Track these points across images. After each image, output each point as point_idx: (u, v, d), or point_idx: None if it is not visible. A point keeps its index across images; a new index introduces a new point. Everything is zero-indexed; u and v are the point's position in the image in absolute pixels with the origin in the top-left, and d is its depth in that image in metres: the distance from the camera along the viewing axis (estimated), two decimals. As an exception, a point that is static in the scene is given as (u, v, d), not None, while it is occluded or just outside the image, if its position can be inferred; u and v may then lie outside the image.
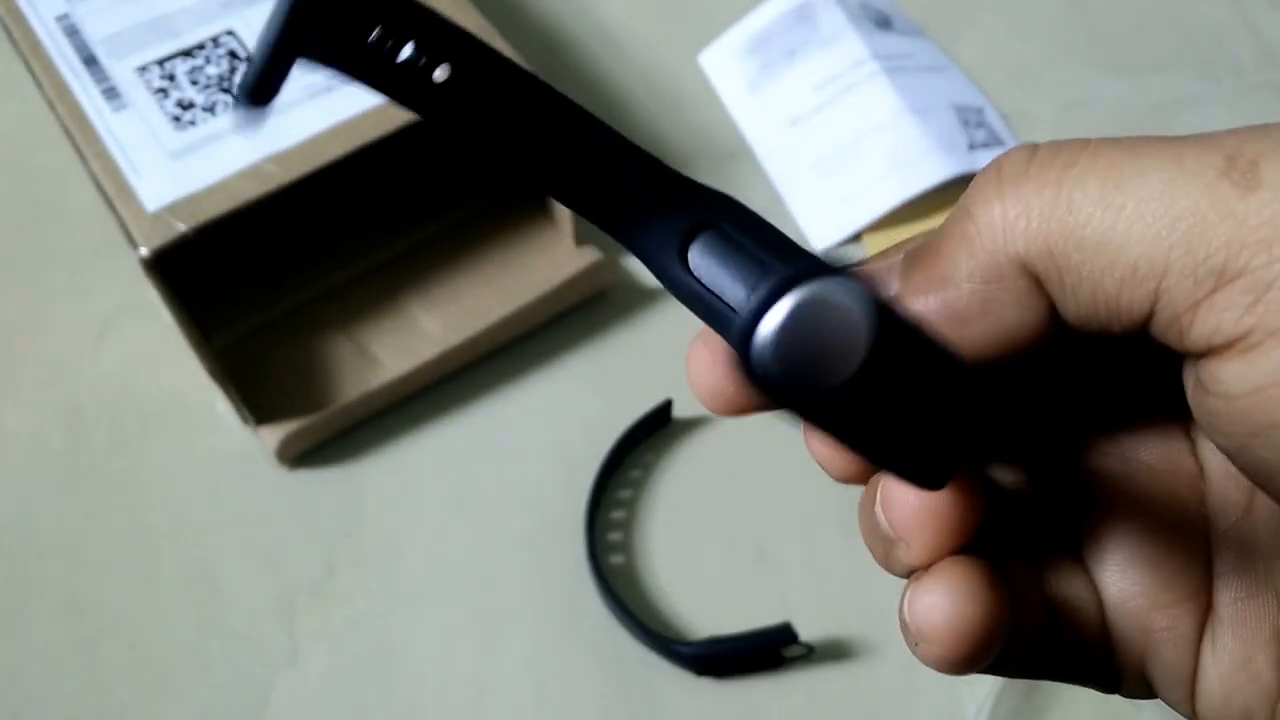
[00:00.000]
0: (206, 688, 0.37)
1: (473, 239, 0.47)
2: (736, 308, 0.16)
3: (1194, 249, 0.13)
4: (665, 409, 0.42)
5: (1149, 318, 0.14)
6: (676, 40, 0.55)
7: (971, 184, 0.16)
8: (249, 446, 0.42)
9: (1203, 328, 0.14)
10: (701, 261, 0.17)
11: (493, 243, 0.46)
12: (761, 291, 0.13)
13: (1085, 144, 0.15)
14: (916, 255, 0.16)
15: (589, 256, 0.45)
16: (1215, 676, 0.18)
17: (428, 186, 0.47)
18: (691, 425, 0.43)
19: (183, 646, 0.38)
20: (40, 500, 0.41)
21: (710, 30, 0.55)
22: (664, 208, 0.17)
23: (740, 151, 0.51)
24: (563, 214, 0.45)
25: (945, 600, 0.17)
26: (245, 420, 0.41)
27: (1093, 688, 0.19)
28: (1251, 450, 0.15)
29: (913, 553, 0.17)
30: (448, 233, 0.47)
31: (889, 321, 0.13)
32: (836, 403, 0.13)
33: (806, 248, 0.18)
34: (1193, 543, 0.18)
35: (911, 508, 0.17)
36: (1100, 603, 0.19)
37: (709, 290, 0.17)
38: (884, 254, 0.18)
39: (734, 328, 0.13)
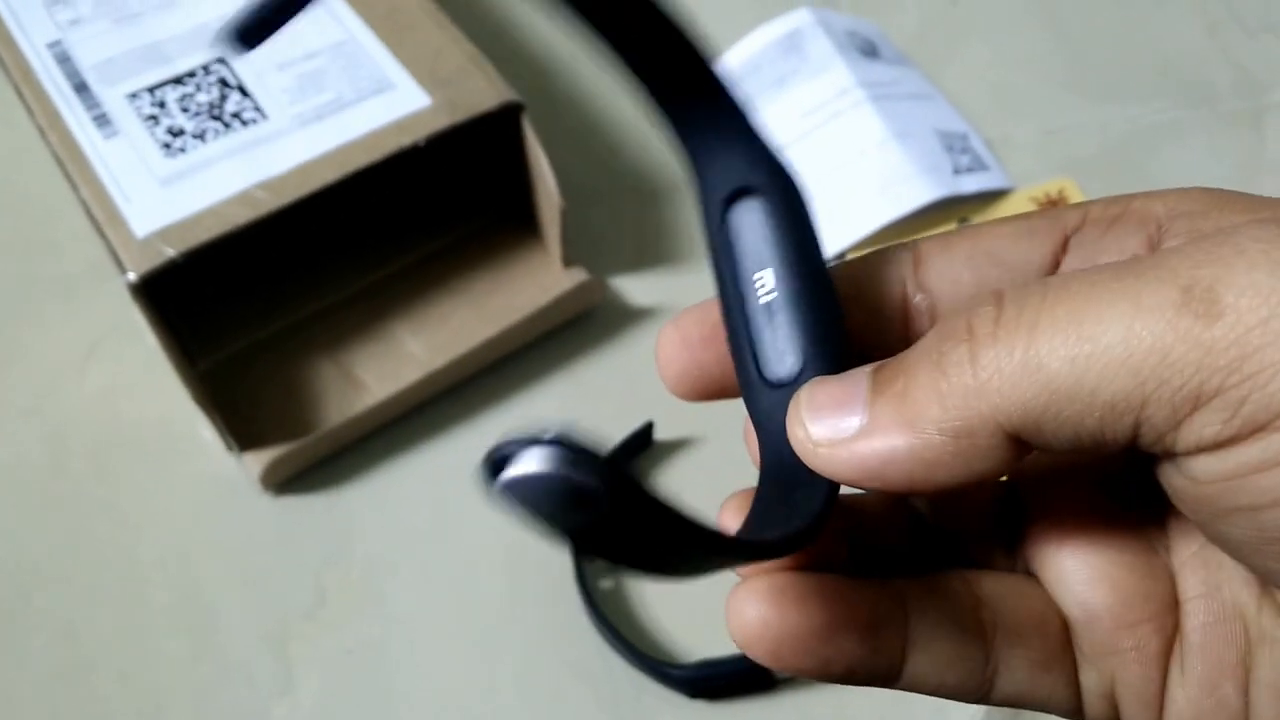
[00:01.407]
0: (201, 718, 0.37)
1: (460, 262, 0.47)
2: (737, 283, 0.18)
3: (1168, 380, 0.14)
4: (647, 431, 0.43)
5: (1132, 441, 0.15)
6: (664, 68, 0.55)
7: (941, 329, 0.16)
8: (234, 473, 0.42)
9: (1183, 442, 0.14)
10: (736, 220, 0.19)
11: (480, 266, 0.47)
12: (516, 444, 0.13)
13: (1045, 293, 0.15)
14: (884, 387, 0.16)
15: (576, 277, 0.45)
16: (1184, 700, 0.18)
17: (416, 211, 0.48)
18: (673, 448, 0.43)
19: (176, 677, 0.38)
20: (25, 528, 0.41)
21: (697, 58, 0.55)
22: (735, 152, 0.19)
23: (727, 177, 0.52)
24: (551, 236, 0.46)
25: (745, 607, 0.18)
26: (230, 446, 0.41)
27: (1055, 713, 0.19)
28: (1217, 527, 0.15)
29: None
30: (435, 256, 0.47)
31: (626, 504, 0.13)
32: (582, 536, 0.13)
33: (825, 255, 0.19)
34: (1158, 563, 0.19)
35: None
36: (1064, 621, 0.19)
37: (727, 253, 0.19)
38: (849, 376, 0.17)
39: (489, 456, 0.13)
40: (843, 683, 0.19)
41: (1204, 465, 0.14)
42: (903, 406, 0.16)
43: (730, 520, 0.20)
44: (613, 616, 0.38)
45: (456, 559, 0.40)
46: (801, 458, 0.17)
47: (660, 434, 0.43)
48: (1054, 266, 0.18)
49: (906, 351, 0.16)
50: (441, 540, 0.41)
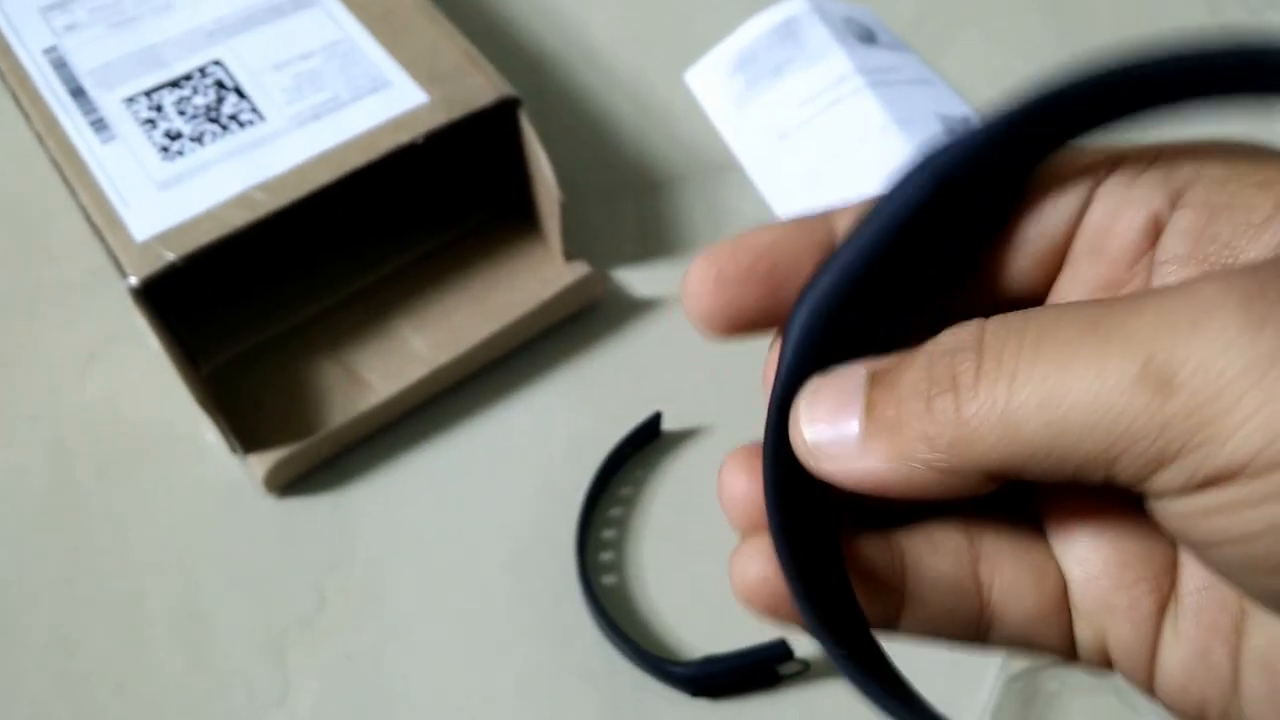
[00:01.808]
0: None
1: (462, 259, 0.47)
2: None
3: (1132, 446, 0.15)
4: (655, 422, 0.43)
5: (1112, 483, 0.16)
6: (663, 59, 0.55)
7: (932, 367, 0.17)
8: (237, 475, 0.42)
9: (1156, 489, 0.15)
10: None
11: (481, 262, 0.47)
12: None
13: (1021, 343, 0.16)
14: (878, 410, 0.17)
15: (578, 271, 0.45)
16: (1175, 662, 0.18)
17: (415, 209, 0.48)
18: (681, 438, 0.43)
19: (172, 686, 0.38)
20: (24, 535, 0.41)
21: (696, 48, 0.55)
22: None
23: (729, 165, 0.51)
24: (551, 231, 0.46)
25: (748, 566, 0.20)
26: (233, 449, 0.41)
27: (1050, 655, 0.20)
28: (1207, 554, 0.16)
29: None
30: (436, 253, 0.47)
31: None
32: None
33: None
34: (1156, 527, 0.19)
35: (732, 496, 0.21)
36: (1060, 574, 0.19)
37: None
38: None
39: None
40: None
41: (1181, 506, 0.15)
42: (894, 438, 0.17)
43: (734, 479, 0.21)
44: (615, 614, 0.38)
45: (458, 559, 0.40)
46: (800, 459, 0.18)
47: (667, 425, 0.43)
48: (1080, 215, 0.19)
49: (900, 368, 0.17)
50: (442, 540, 0.41)
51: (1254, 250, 0.17)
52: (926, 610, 0.20)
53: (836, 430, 0.17)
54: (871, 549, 0.20)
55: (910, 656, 0.40)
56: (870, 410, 0.17)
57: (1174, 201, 0.18)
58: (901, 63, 0.54)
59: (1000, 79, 0.55)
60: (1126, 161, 0.18)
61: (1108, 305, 0.15)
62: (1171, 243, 0.18)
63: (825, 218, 0.20)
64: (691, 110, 0.54)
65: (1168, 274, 0.18)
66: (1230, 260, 0.17)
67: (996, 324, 0.16)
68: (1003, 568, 0.20)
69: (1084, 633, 0.19)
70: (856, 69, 0.51)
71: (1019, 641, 0.20)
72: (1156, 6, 0.58)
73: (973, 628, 0.20)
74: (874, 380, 0.17)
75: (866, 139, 0.50)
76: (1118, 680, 0.37)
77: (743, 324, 0.20)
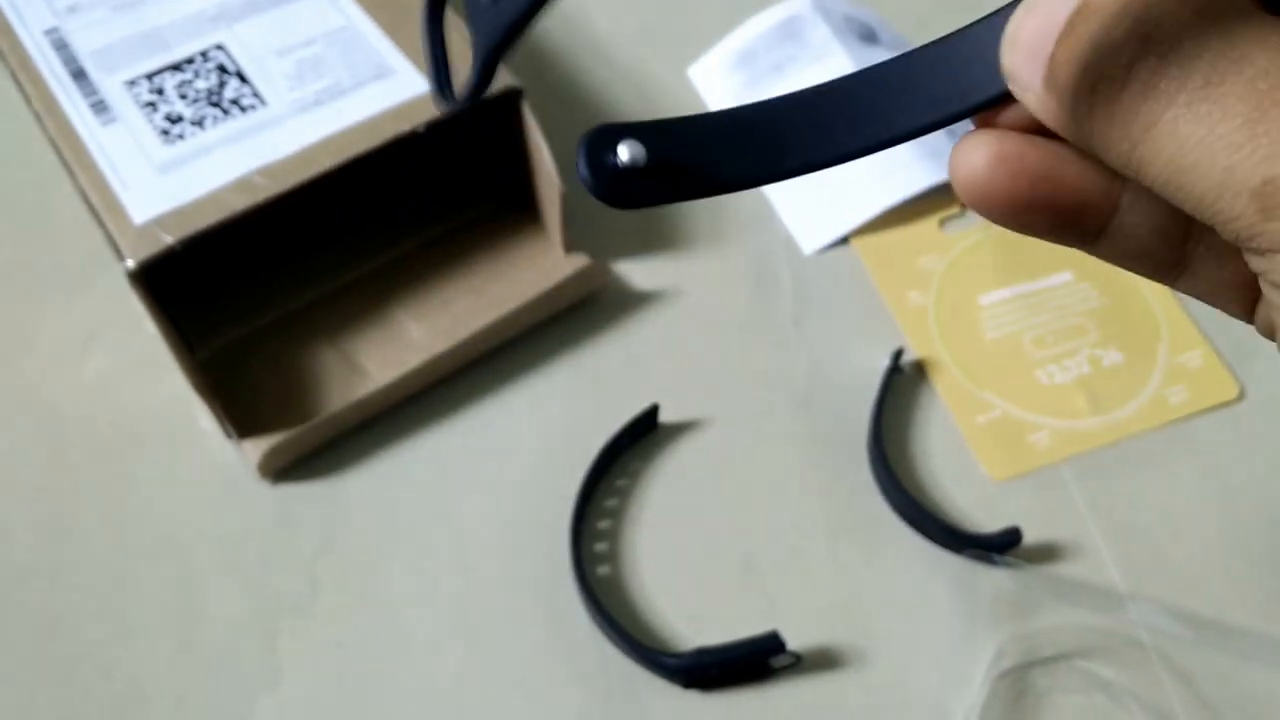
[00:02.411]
0: (186, 714, 0.37)
1: (462, 248, 0.47)
2: None
3: (1233, 232, 0.16)
4: (651, 414, 0.42)
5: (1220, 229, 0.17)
6: (665, 54, 0.55)
7: (1125, 39, 0.17)
8: (232, 461, 0.42)
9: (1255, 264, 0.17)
10: None
11: (482, 252, 0.47)
12: None
13: (1201, 84, 0.16)
14: (1057, 61, 0.17)
15: (578, 263, 0.45)
16: None
17: (416, 198, 0.48)
18: (678, 430, 0.43)
19: (161, 669, 0.38)
20: (17, 516, 0.41)
21: (698, 44, 0.55)
22: None
23: (728, 164, 0.51)
24: (552, 222, 0.46)
25: (972, 156, 0.19)
26: (228, 434, 0.41)
27: (1228, 310, 0.20)
28: None
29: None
30: (437, 242, 0.47)
31: None
32: None
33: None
34: None
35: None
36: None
37: None
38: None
39: None
40: (1039, 237, 0.20)
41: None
42: (1062, 102, 0.17)
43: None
44: (608, 605, 0.38)
45: (452, 547, 0.40)
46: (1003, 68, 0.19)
47: (665, 417, 0.43)
48: None
49: (1104, 21, 0.17)
50: (437, 528, 0.41)
51: None
52: (1130, 237, 0.20)
53: (1026, 70, 0.18)
54: (1093, 171, 0.19)
55: (900, 654, 0.40)
56: (1053, 62, 0.17)
57: None
58: (903, 62, 0.54)
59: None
60: None
61: (1275, 96, 0.15)
62: None
63: None
64: (693, 105, 0.54)
65: None
66: None
67: (1186, 39, 0.16)
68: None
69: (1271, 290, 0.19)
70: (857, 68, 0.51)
71: (1209, 286, 0.20)
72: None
73: (1169, 262, 0.20)
74: (1069, 25, 0.17)
75: (867, 137, 0.50)
76: (1106, 679, 0.37)
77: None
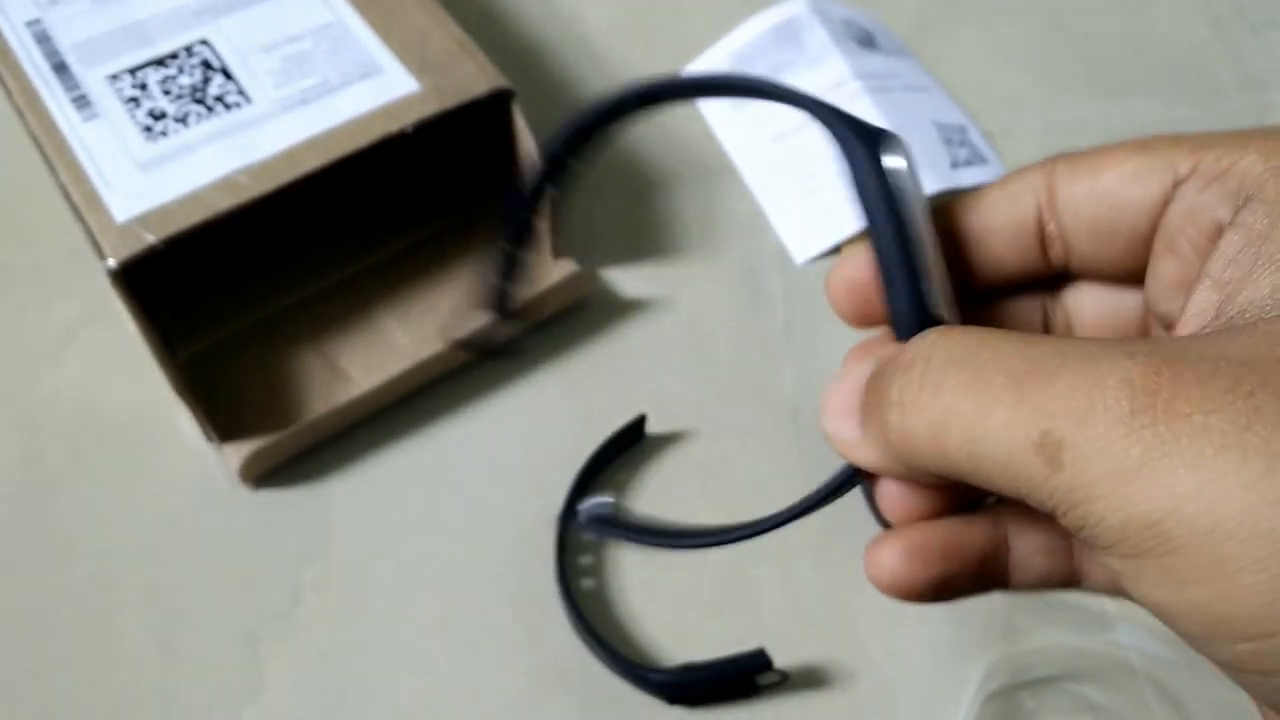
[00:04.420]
0: None
1: (449, 252, 0.46)
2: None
3: (1032, 495, 0.17)
4: (638, 425, 0.42)
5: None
6: (659, 57, 0.55)
7: (881, 388, 0.19)
8: (212, 465, 0.41)
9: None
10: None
11: (469, 256, 0.46)
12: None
13: (959, 378, 0.18)
14: (867, 414, 0.20)
15: (565, 269, 0.45)
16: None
17: (403, 200, 0.47)
18: (664, 441, 0.43)
19: (142, 681, 0.37)
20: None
21: (693, 47, 0.54)
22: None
23: (722, 167, 0.51)
24: (541, 227, 0.45)
25: (881, 561, 0.22)
26: (209, 438, 0.41)
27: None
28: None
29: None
30: (423, 246, 0.46)
31: None
32: None
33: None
34: None
35: (891, 498, 0.22)
36: None
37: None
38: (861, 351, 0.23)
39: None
40: (964, 597, 0.23)
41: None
42: (874, 439, 0.20)
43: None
44: (593, 619, 0.38)
45: (436, 557, 0.40)
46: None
47: (652, 428, 0.42)
48: (1158, 215, 0.21)
49: (878, 376, 0.20)
50: (421, 537, 0.40)
51: (1250, 295, 0.18)
52: (1030, 569, 0.22)
53: (844, 427, 0.21)
54: (983, 533, 0.22)
55: (888, 673, 0.39)
56: (862, 410, 0.20)
57: (1233, 215, 0.19)
58: (900, 69, 0.53)
59: (998, 85, 0.55)
60: (1202, 167, 0.20)
61: (1041, 354, 0.17)
62: (1213, 262, 0.19)
63: None
64: (687, 110, 0.53)
65: (1199, 293, 0.19)
66: (1233, 296, 0.18)
67: (944, 346, 0.18)
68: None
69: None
70: (854, 74, 0.51)
71: (1111, 586, 0.22)
72: (1158, 19, 0.58)
73: (1068, 573, 0.22)
74: (868, 384, 0.20)
75: (862, 144, 0.49)
76: (1095, 701, 0.37)
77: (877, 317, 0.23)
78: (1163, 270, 0.21)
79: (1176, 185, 0.20)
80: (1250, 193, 0.19)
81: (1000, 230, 0.22)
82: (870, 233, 0.21)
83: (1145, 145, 0.21)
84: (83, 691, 0.37)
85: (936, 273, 0.21)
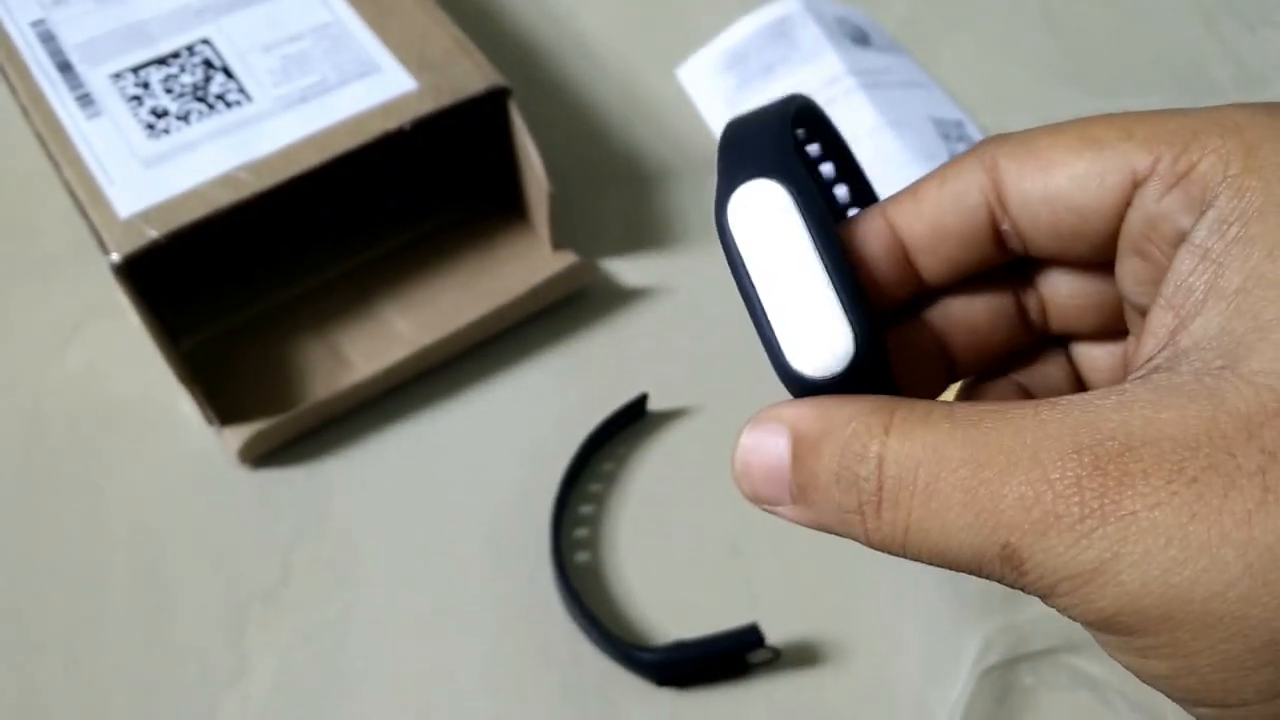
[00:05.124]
0: (147, 710, 0.37)
1: (449, 246, 0.47)
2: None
3: (1003, 584, 0.18)
4: (640, 402, 0.42)
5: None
6: (654, 54, 0.55)
7: (844, 494, 0.19)
8: (212, 447, 0.42)
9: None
10: None
11: (469, 249, 0.47)
12: None
13: (913, 494, 0.18)
14: (801, 492, 0.20)
15: (565, 260, 0.45)
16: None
17: (404, 195, 0.47)
18: (667, 419, 0.43)
19: (125, 662, 0.37)
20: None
21: (688, 43, 0.55)
22: None
23: (717, 163, 0.51)
24: (539, 220, 0.46)
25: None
26: (209, 420, 0.41)
27: None
28: None
29: None
30: (425, 238, 0.47)
31: None
32: None
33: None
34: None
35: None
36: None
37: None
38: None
39: None
40: None
41: None
42: (818, 519, 0.20)
43: None
44: (586, 594, 0.38)
45: (430, 536, 0.40)
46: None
47: (653, 405, 0.43)
48: (1119, 219, 0.20)
49: (815, 460, 0.19)
50: (415, 517, 0.41)
51: (1195, 330, 0.18)
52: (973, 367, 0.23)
53: (772, 496, 0.20)
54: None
55: (882, 648, 0.40)
56: (796, 489, 0.20)
57: (1191, 229, 0.18)
58: (894, 64, 0.54)
59: (993, 81, 0.55)
60: (1160, 168, 0.19)
61: (979, 476, 0.18)
62: (1169, 280, 0.19)
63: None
64: (682, 105, 0.53)
65: (1156, 312, 0.19)
66: (1185, 324, 0.18)
67: (893, 462, 0.18)
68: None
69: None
70: (849, 70, 0.51)
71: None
72: (1152, 16, 0.58)
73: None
74: (795, 462, 0.20)
75: (857, 140, 0.50)
76: (1093, 676, 0.37)
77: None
78: (1130, 270, 0.20)
79: (1135, 186, 0.19)
80: (1209, 200, 0.18)
81: (951, 234, 0.21)
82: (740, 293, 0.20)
83: (1093, 138, 0.20)
84: (59, 678, 0.37)
85: (820, 303, 0.19)
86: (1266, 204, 0.17)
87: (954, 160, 0.21)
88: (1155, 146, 0.19)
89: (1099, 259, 0.21)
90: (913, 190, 0.22)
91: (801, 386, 0.20)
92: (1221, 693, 0.16)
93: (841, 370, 0.19)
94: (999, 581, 0.18)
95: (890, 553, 0.19)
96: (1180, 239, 0.18)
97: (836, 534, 0.20)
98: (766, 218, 0.19)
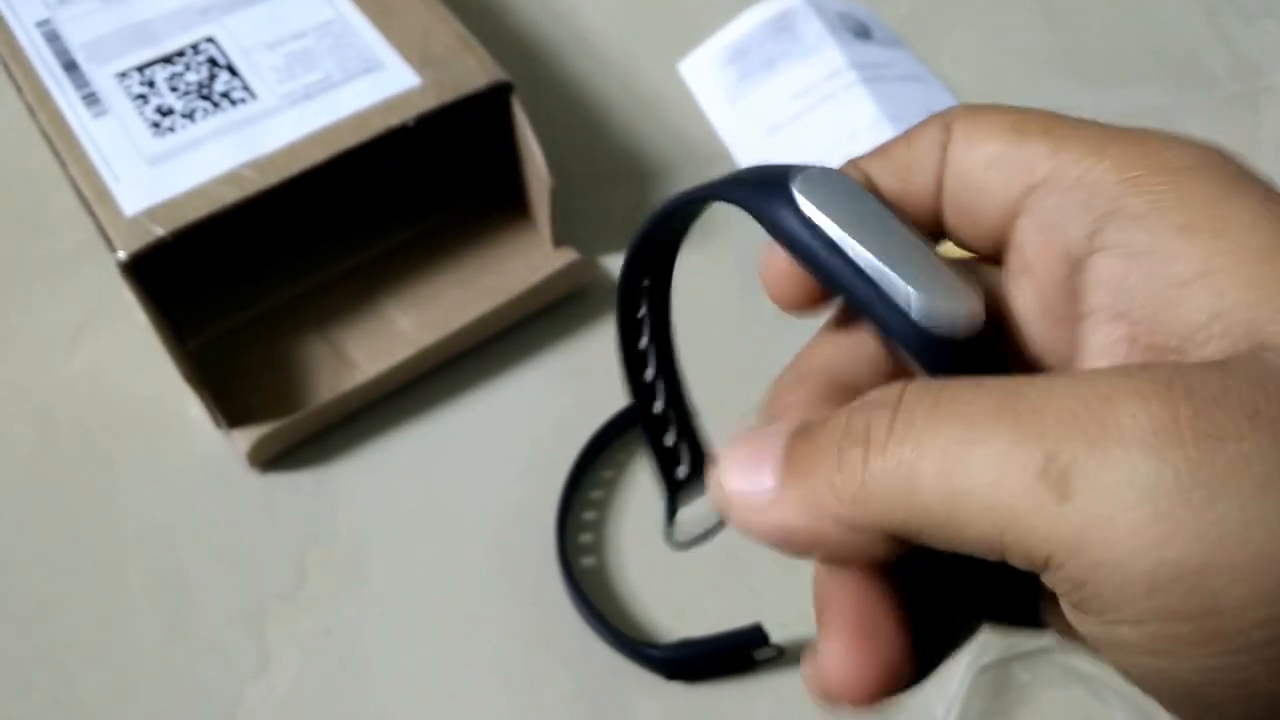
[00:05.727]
0: (174, 701, 0.37)
1: (452, 242, 0.47)
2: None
3: (1021, 539, 0.14)
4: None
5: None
6: (656, 49, 0.55)
7: (850, 421, 0.17)
8: (221, 450, 0.42)
9: (1045, 580, 0.15)
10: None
11: (471, 245, 0.47)
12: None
13: (934, 408, 0.15)
14: (796, 463, 0.17)
15: (566, 257, 0.45)
16: None
17: (407, 191, 0.48)
18: (666, 425, 0.43)
19: (150, 658, 0.38)
20: (7, 504, 0.41)
21: (689, 39, 0.55)
22: None
23: (720, 156, 0.52)
24: (541, 216, 0.46)
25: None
26: (218, 423, 0.42)
27: None
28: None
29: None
30: (426, 236, 0.47)
31: None
32: None
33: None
34: None
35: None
36: None
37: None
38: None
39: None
40: None
41: (1065, 603, 0.15)
42: (807, 492, 0.17)
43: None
44: (593, 596, 0.39)
45: (439, 538, 0.41)
46: (718, 510, 0.19)
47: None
48: (1016, 209, 0.19)
49: (823, 423, 0.17)
50: (425, 518, 0.41)
51: (1176, 324, 0.16)
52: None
53: (754, 481, 0.17)
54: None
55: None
56: (788, 460, 0.17)
57: (1093, 235, 0.17)
58: (895, 59, 0.54)
59: (993, 75, 0.55)
60: (1056, 173, 0.18)
61: (1026, 384, 0.15)
62: (1094, 292, 0.17)
63: None
64: (684, 101, 0.54)
65: (1095, 328, 0.17)
66: (1152, 325, 0.16)
67: (917, 386, 0.16)
68: None
69: None
70: (850, 64, 0.52)
71: None
72: (1152, 7, 0.59)
73: None
74: (796, 434, 0.18)
75: (858, 134, 0.50)
76: (1089, 673, 0.37)
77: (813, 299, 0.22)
78: (1022, 293, 0.19)
79: (1031, 190, 0.18)
80: (1106, 209, 0.17)
81: (915, 192, 0.20)
82: (828, 280, 0.19)
83: (1020, 127, 0.18)
84: (87, 673, 0.38)
85: (922, 262, 0.18)
86: (1183, 196, 0.16)
87: (922, 121, 0.20)
88: (1060, 149, 0.18)
89: (992, 253, 0.20)
90: (883, 149, 0.20)
91: (939, 348, 0.18)
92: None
93: (980, 328, 0.18)
94: (1012, 534, 0.14)
95: (871, 502, 0.16)
96: (1068, 256, 0.18)
97: (814, 526, 0.17)
98: (841, 196, 0.19)
